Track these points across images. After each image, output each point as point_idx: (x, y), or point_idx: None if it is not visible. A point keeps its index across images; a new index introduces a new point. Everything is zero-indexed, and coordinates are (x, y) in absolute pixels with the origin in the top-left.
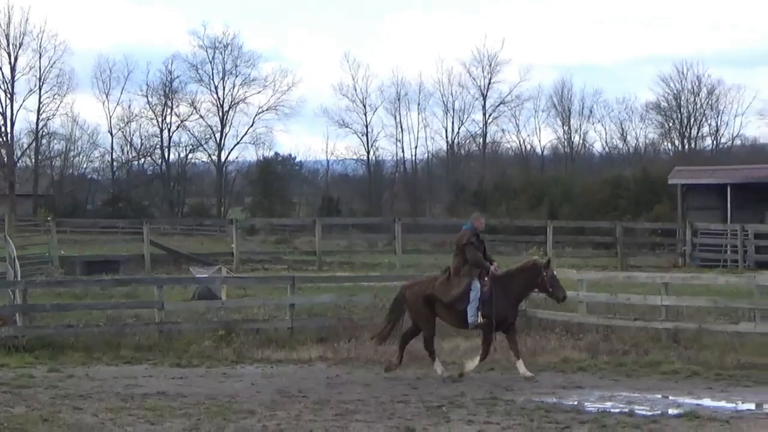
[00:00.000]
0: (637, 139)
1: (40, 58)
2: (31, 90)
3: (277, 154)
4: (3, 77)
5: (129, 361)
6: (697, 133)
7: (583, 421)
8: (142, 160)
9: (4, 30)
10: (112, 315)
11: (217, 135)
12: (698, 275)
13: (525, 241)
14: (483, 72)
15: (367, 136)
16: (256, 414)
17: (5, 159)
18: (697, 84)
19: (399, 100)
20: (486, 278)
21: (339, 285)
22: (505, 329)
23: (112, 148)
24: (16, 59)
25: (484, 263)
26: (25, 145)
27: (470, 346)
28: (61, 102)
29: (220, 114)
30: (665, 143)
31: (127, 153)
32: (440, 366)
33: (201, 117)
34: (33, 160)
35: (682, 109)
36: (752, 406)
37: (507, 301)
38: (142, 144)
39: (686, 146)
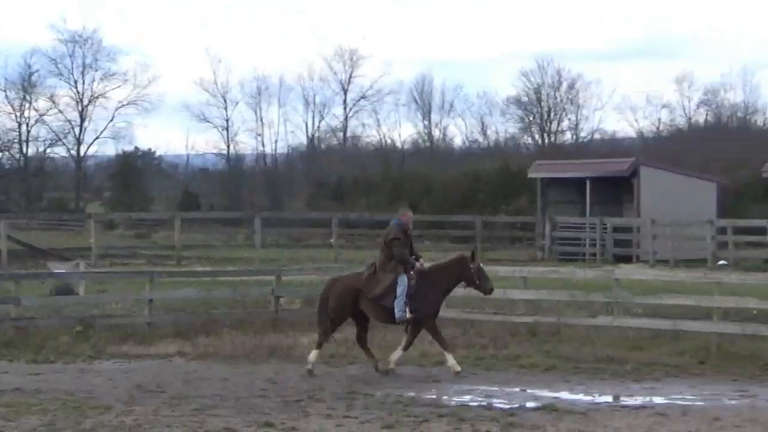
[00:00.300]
0: (497, 134)
1: None
2: None
3: (137, 148)
4: None
5: None
6: (557, 127)
7: (441, 414)
8: (0, 154)
9: None
10: None
11: (77, 129)
12: (557, 269)
13: None
14: (344, 66)
15: (227, 130)
16: (113, 409)
17: None
18: (557, 79)
19: (260, 94)
20: (412, 272)
21: (198, 280)
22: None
23: None
24: None
25: (410, 260)
26: None
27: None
28: None
29: (80, 108)
30: (525, 137)
31: None
32: (315, 357)
33: (60, 111)
34: None
35: (542, 104)
36: (609, 399)
37: (434, 294)
38: None
39: (546, 140)
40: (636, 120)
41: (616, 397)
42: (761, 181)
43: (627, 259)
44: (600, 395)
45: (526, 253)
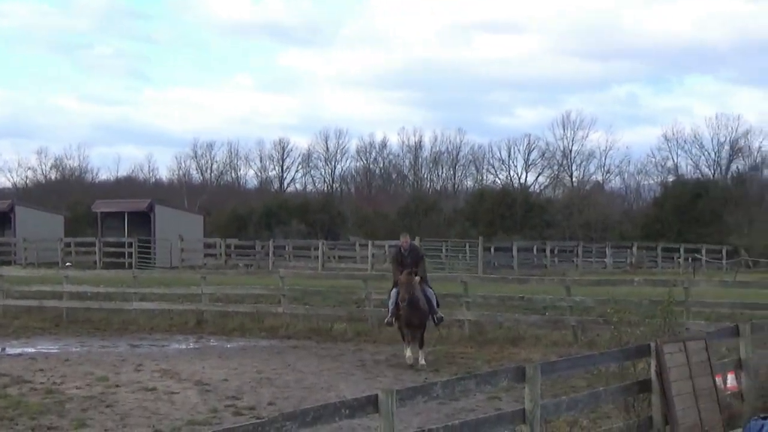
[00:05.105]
0: None
1: None
2: None
3: None
4: None
5: None
6: None
7: None
8: None
9: None
10: None
11: None
12: None
13: None
14: None
15: None
16: None
17: None
18: None
19: None
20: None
21: None
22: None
23: None
24: None
25: (396, 275)
26: None
27: None
28: None
29: None
30: None
31: None
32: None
33: None
34: None
35: None
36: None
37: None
38: None
39: None
40: (12, 177)
41: (3, 348)
42: (92, 214)
43: (9, 263)
44: None
45: None
